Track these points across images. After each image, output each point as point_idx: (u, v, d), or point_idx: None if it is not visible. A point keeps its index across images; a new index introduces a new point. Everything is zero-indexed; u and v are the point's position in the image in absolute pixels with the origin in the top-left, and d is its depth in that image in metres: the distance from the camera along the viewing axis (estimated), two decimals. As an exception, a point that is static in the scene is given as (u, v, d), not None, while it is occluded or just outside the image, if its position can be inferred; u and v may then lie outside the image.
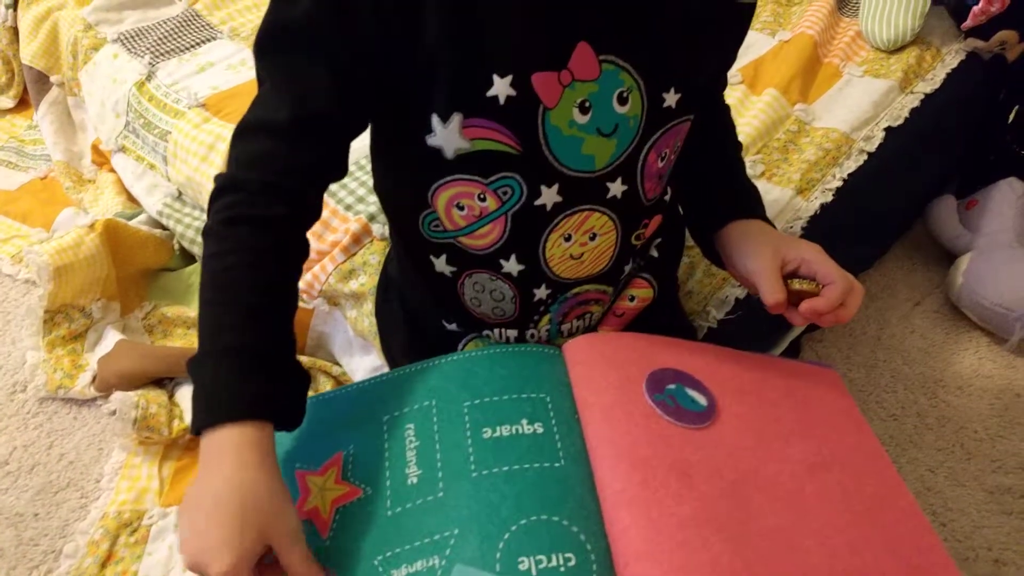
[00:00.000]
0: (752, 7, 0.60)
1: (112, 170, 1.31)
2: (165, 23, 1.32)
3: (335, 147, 0.55)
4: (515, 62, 0.51)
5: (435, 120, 0.52)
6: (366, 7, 0.48)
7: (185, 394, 1.00)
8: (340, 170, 0.57)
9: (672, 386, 0.60)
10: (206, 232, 0.54)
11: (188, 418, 0.96)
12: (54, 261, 1.04)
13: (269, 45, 0.52)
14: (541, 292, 0.64)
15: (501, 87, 0.51)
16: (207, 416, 0.49)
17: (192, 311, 1.12)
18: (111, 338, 1.06)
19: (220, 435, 0.48)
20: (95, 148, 1.34)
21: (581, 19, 0.51)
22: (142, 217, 1.22)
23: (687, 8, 0.54)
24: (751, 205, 0.69)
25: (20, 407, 1.04)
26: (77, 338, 1.09)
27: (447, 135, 0.53)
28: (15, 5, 1.45)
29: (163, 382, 1.04)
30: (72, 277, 1.07)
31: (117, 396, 0.96)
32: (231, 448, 0.48)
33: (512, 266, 0.62)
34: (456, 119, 0.52)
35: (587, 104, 0.53)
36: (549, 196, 0.57)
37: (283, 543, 0.47)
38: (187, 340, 1.10)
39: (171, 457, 0.97)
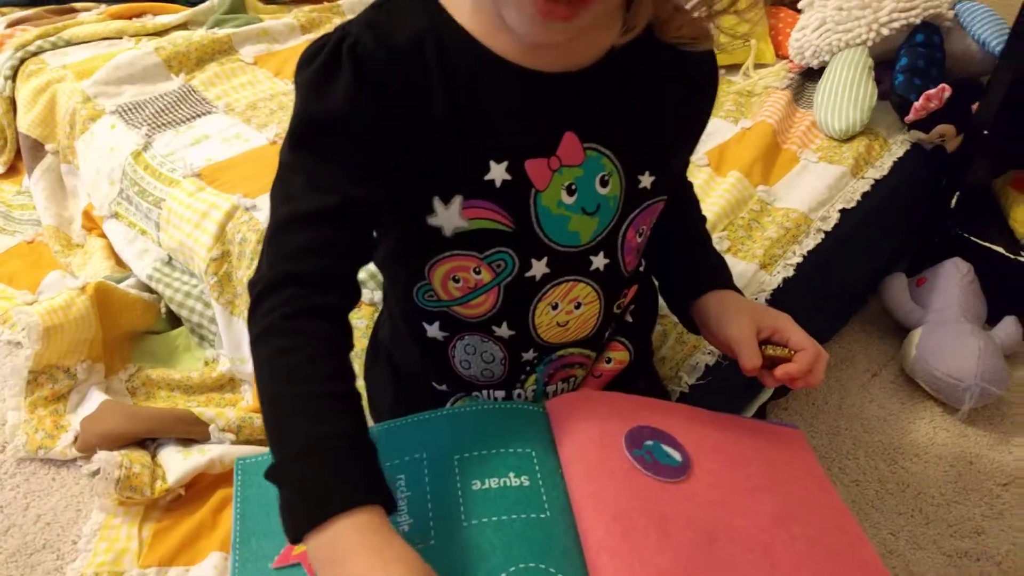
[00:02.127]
0: (712, 96, 0.68)
1: (102, 235, 1.34)
2: (162, 97, 1.38)
3: (369, 229, 0.58)
4: (510, 150, 0.57)
5: (437, 202, 0.58)
6: (389, 99, 0.54)
7: (168, 455, 1.01)
8: (372, 250, 0.60)
9: (649, 442, 0.64)
10: (265, 332, 0.52)
11: (171, 478, 0.97)
12: (44, 321, 1.06)
13: (305, 138, 0.54)
14: (528, 355, 0.69)
15: (498, 172, 0.57)
16: (326, 509, 0.46)
17: (176, 373, 1.14)
18: (95, 399, 1.07)
19: (341, 527, 0.45)
20: (86, 214, 1.38)
21: (568, 112, 0.58)
22: (130, 281, 1.24)
23: (660, 102, 0.62)
24: (724, 277, 0.75)
25: (-2, 468, 1.04)
26: (60, 399, 1.10)
27: (448, 216, 0.58)
28: (14, 77, 1.50)
29: (145, 443, 1.05)
30: (60, 338, 1.08)
31: (101, 455, 0.97)
32: (360, 532, 0.45)
33: (503, 331, 0.66)
34: (457, 201, 0.57)
35: (573, 187, 0.59)
36: (539, 268, 0.62)
37: None
38: (170, 401, 1.11)
39: (151, 518, 0.97)
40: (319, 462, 0.48)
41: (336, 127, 0.54)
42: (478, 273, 0.62)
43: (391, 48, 0.54)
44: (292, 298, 0.52)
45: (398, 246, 0.65)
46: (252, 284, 0.54)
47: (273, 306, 0.52)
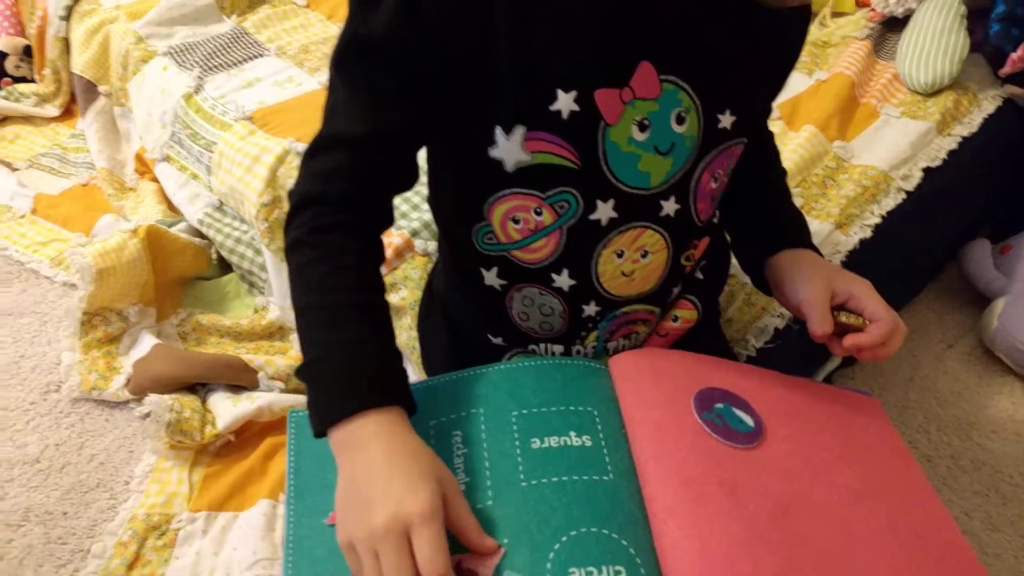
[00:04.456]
0: (804, 29, 0.62)
1: (154, 179, 1.34)
2: (214, 39, 1.36)
3: (407, 157, 0.57)
4: (580, 78, 0.52)
5: (498, 132, 0.54)
6: (441, 24, 0.50)
7: (217, 401, 1.01)
8: (412, 179, 0.59)
9: (720, 405, 0.60)
10: (295, 243, 0.55)
11: (221, 424, 0.97)
12: (97, 263, 1.06)
13: (346, 59, 0.54)
14: (590, 309, 0.65)
15: (565, 102, 0.52)
16: (348, 407, 0.49)
17: (226, 320, 1.13)
18: (147, 342, 1.07)
19: (359, 424, 0.49)
20: (139, 157, 1.37)
21: (645, 39, 0.52)
22: (182, 226, 1.24)
23: (747, 33, 0.56)
24: (800, 234, 0.70)
25: (53, 407, 1.05)
26: (113, 341, 1.10)
27: (509, 147, 0.54)
28: (68, 17, 1.49)
29: (196, 388, 1.05)
30: (113, 280, 1.08)
31: (152, 399, 0.97)
32: (380, 428, 0.49)
33: (563, 281, 0.62)
34: (519, 132, 0.53)
35: (646, 122, 0.54)
36: (604, 211, 0.58)
37: (455, 492, 0.48)
38: (220, 347, 1.11)
39: (201, 463, 0.97)
40: (338, 367, 0.51)
41: (375, 53, 0.52)
42: (539, 214, 0.58)
43: None
44: (319, 215, 0.55)
45: (458, 181, 0.62)
46: (290, 195, 0.57)
47: (303, 220, 0.55)
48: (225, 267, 1.23)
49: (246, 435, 0.99)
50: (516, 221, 0.59)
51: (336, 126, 0.55)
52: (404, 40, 0.51)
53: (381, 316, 0.55)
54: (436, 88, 0.53)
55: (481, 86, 0.52)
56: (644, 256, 0.62)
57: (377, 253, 0.58)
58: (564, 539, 0.50)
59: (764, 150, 0.74)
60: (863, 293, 0.62)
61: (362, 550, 0.45)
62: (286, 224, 0.57)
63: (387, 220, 0.59)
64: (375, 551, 0.45)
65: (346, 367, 0.51)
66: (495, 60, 0.51)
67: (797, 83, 1.26)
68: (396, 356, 0.54)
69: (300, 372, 0.53)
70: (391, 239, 0.95)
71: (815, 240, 0.96)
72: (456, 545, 0.49)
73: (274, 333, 1.12)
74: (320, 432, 0.51)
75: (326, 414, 0.50)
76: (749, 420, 0.60)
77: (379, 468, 0.47)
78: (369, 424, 0.49)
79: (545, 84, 0.52)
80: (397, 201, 0.99)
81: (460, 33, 0.51)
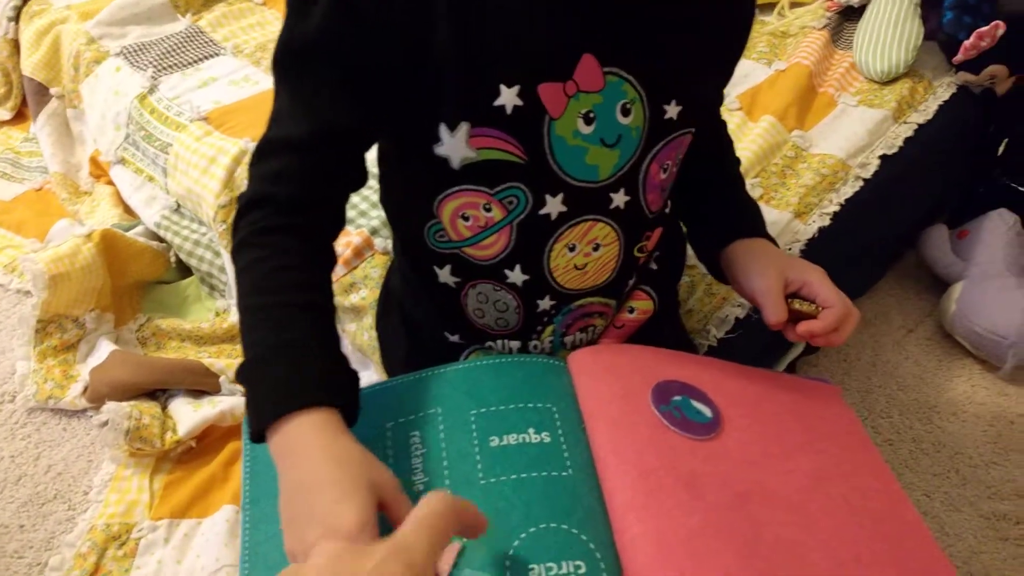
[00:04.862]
0: (750, 15, 0.63)
1: (110, 182, 1.31)
2: (168, 38, 1.33)
3: (353, 158, 0.56)
4: (522, 73, 0.52)
5: (443, 129, 0.53)
6: (378, 20, 0.49)
7: (178, 407, 0.99)
8: (360, 179, 0.58)
9: (678, 398, 0.60)
10: (241, 244, 0.54)
11: (182, 430, 0.95)
12: (50, 269, 1.03)
13: (285, 61, 0.53)
14: (545, 303, 0.65)
15: (508, 97, 0.52)
16: (282, 407, 0.47)
17: (187, 324, 1.11)
18: (104, 349, 1.05)
19: (296, 424, 0.47)
20: (93, 160, 1.34)
21: (586, 31, 0.52)
22: (139, 229, 1.21)
23: (690, 22, 0.56)
24: (754, 223, 0.70)
25: (8, 417, 1.02)
26: (69, 348, 1.08)
27: (454, 144, 0.54)
28: (17, 18, 1.45)
29: (155, 394, 1.03)
30: (67, 286, 1.06)
31: (110, 406, 0.95)
32: (312, 431, 0.47)
33: (517, 276, 0.62)
34: (463, 128, 0.53)
35: (591, 115, 0.54)
36: (554, 205, 0.58)
37: (393, 493, 0.46)
38: (180, 352, 1.09)
39: (162, 470, 0.95)
40: (275, 367, 0.50)
41: (312, 53, 0.51)
42: (488, 210, 0.58)
43: None
44: (266, 216, 0.54)
45: (407, 180, 0.61)
46: (238, 198, 0.56)
47: (250, 221, 0.54)
48: (184, 270, 1.21)
49: (208, 441, 0.97)
50: (466, 218, 0.59)
51: (281, 129, 0.54)
52: (341, 37, 0.50)
53: (323, 316, 0.53)
54: (377, 85, 0.52)
55: (423, 83, 0.52)
56: (596, 249, 0.62)
57: (325, 257, 0.57)
58: (524, 535, 0.50)
59: (716, 139, 0.74)
60: (816, 280, 0.63)
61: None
62: (233, 226, 0.55)
63: (338, 223, 0.58)
64: None
65: (281, 369, 0.49)
66: (436, 57, 0.51)
67: (757, 73, 1.27)
68: (336, 357, 0.52)
69: (238, 374, 0.51)
70: (350, 238, 0.94)
71: (775, 229, 0.98)
72: None
73: (236, 336, 1.10)
74: (256, 434, 0.49)
75: (259, 416, 0.48)
76: (707, 411, 0.60)
77: (311, 478, 0.45)
78: (302, 425, 0.47)
79: (487, 80, 0.51)
80: (356, 200, 0.99)
81: (398, 30, 0.50)
